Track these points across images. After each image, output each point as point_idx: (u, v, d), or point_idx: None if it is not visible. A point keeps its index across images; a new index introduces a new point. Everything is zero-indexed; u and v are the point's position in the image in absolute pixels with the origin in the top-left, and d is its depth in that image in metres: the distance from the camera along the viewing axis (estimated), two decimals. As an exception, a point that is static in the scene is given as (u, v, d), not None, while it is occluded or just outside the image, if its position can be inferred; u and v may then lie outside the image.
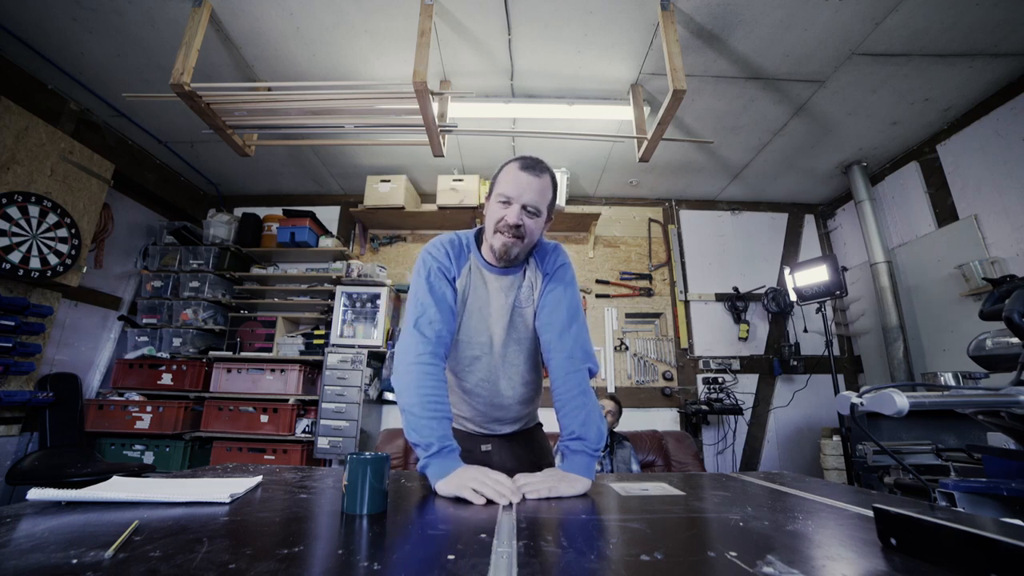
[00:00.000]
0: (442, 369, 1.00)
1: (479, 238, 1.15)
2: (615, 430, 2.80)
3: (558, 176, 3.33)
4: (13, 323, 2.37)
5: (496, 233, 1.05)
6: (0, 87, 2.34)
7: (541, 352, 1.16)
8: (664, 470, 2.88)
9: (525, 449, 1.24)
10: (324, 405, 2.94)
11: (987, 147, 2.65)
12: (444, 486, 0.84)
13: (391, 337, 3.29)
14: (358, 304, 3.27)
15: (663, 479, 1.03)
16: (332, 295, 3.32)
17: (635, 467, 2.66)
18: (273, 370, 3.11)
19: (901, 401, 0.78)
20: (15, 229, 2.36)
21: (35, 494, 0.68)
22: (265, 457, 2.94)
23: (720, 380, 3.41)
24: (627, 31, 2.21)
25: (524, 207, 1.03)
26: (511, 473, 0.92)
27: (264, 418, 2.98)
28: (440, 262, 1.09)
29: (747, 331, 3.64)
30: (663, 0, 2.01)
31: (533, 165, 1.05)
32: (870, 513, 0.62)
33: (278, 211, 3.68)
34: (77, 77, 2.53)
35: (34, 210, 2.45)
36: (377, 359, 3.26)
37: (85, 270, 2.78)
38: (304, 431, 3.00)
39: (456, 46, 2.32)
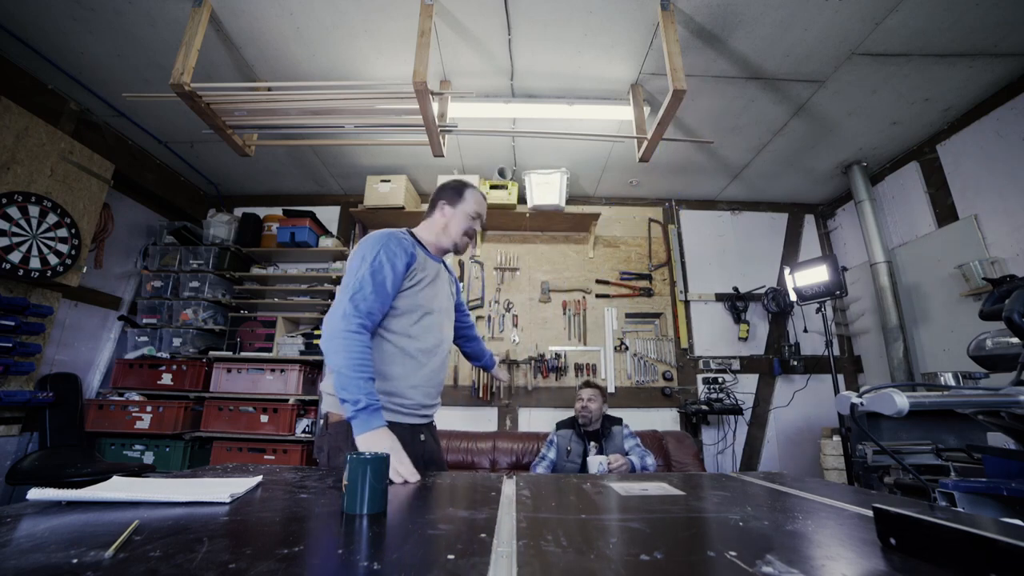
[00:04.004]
0: (369, 338, 1.18)
1: (411, 234, 1.44)
2: (606, 413, 2.69)
3: (558, 176, 3.36)
4: (13, 323, 2.37)
5: (463, 236, 1.47)
6: (0, 87, 2.34)
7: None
8: (664, 470, 2.88)
9: (437, 436, 1.47)
10: (324, 405, 2.93)
11: (987, 147, 2.65)
12: (363, 442, 1.05)
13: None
14: (358, 304, 3.26)
15: (663, 479, 1.03)
16: (332, 295, 3.32)
17: (629, 444, 2.53)
18: (273, 370, 3.11)
19: (901, 401, 0.78)
20: (15, 229, 2.36)
21: (35, 494, 0.68)
22: (265, 457, 2.94)
23: (720, 380, 3.41)
24: (627, 31, 2.21)
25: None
26: (435, 459, 1.37)
27: (264, 418, 2.97)
28: (401, 249, 1.29)
29: (747, 331, 3.64)
30: (663, 0, 2.01)
31: (484, 195, 1.53)
32: (870, 513, 0.62)
33: (278, 211, 3.68)
34: (77, 77, 2.53)
35: (34, 210, 2.45)
36: (377, 359, 3.26)
37: (85, 270, 2.78)
38: (304, 431, 3.00)
39: (456, 46, 2.32)
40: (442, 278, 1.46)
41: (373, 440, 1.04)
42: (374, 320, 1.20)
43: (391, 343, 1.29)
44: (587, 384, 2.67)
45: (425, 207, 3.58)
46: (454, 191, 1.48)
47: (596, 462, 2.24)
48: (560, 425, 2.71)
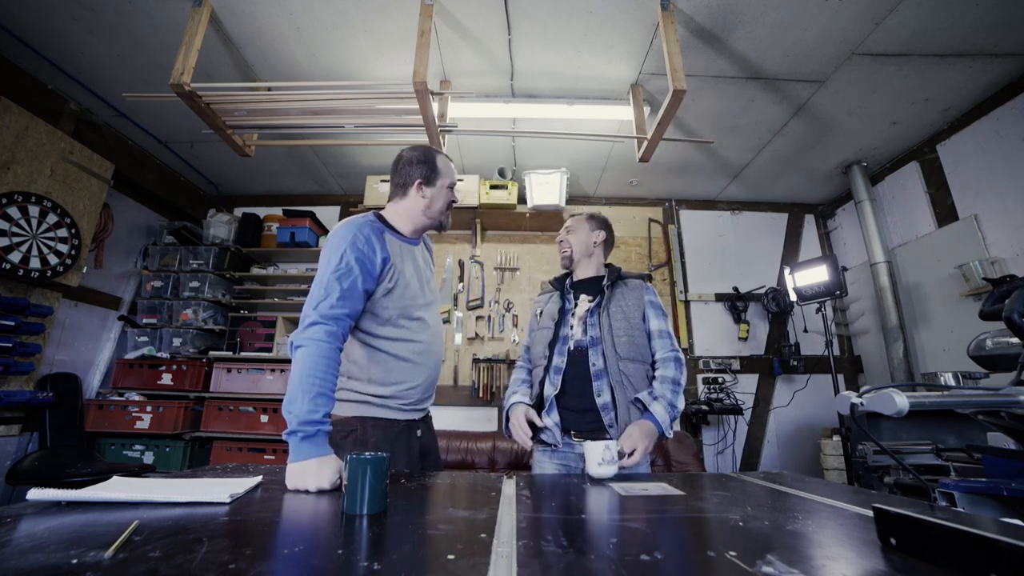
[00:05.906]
0: (332, 349, 1.09)
1: (381, 219, 1.31)
2: (614, 265, 1.62)
3: (558, 176, 3.36)
4: (13, 323, 2.37)
5: (447, 210, 1.39)
6: (0, 87, 2.34)
7: None
8: (664, 470, 2.88)
9: (432, 427, 1.44)
10: (324, 405, 2.93)
11: (987, 147, 2.65)
12: (292, 472, 0.92)
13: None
14: (358, 304, 3.27)
15: (663, 479, 1.03)
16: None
17: (660, 345, 1.42)
18: (273, 370, 3.11)
19: (901, 401, 0.78)
20: (15, 229, 2.36)
21: (35, 494, 0.68)
22: (265, 457, 2.94)
23: (720, 380, 3.41)
24: (627, 31, 2.21)
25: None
26: (433, 450, 1.37)
27: (264, 418, 2.97)
28: (369, 247, 1.20)
29: (747, 331, 3.64)
30: (663, 0, 2.01)
31: (449, 158, 1.43)
32: (870, 513, 0.62)
33: (278, 211, 3.68)
34: (77, 77, 2.53)
35: (34, 210, 2.45)
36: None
37: (85, 270, 2.78)
38: (304, 431, 3.00)
39: (456, 46, 2.32)
40: (418, 260, 1.37)
41: (307, 469, 0.90)
42: (343, 326, 1.14)
43: (385, 352, 1.24)
44: (591, 217, 1.63)
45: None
46: (426, 165, 1.33)
47: (597, 451, 1.03)
48: (544, 288, 1.71)
